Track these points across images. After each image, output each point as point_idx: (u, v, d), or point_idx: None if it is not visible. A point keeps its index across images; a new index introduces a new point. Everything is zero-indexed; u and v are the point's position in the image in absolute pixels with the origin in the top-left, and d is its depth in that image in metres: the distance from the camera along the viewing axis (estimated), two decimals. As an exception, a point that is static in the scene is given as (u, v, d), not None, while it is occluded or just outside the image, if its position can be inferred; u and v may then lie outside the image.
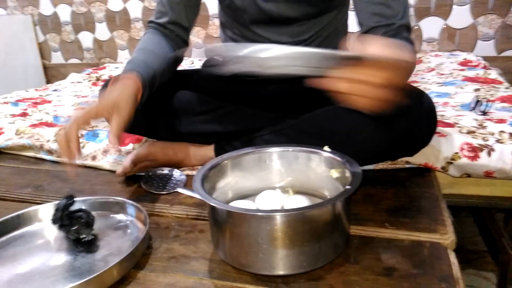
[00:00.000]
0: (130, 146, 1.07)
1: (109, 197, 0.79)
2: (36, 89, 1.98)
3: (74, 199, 0.71)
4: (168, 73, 0.95)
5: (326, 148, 0.70)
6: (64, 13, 2.73)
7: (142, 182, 0.89)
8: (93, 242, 0.69)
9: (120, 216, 0.76)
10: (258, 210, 0.56)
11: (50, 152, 1.13)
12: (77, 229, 0.68)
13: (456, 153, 0.86)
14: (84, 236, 0.68)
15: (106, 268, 0.56)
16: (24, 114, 1.47)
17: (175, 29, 0.97)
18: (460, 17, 1.96)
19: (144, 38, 0.96)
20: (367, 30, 0.82)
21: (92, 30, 2.71)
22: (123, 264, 0.59)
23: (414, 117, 0.78)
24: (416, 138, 0.81)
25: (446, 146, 0.87)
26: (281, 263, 0.56)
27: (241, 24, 0.99)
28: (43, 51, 2.89)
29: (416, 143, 0.82)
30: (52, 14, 2.76)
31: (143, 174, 0.92)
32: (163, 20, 0.96)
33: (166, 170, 0.93)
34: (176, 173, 0.93)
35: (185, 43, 1.01)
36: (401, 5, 0.80)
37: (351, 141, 0.80)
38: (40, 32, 2.85)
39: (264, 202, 0.68)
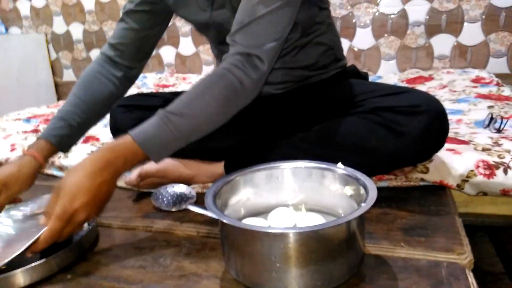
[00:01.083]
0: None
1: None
2: (47, 106, 2.00)
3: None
4: (99, 115, 0.99)
5: (339, 164, 0.69)
6: (77, 31, 2.78)
7: (152, 199, 0.88)
8: None
9: None
10: (271, 228, 0.55)
11: (61, 168, 1.13)
12: None
13: (472, 170, 0.84)
14: None
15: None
16: (35, 131, 1.48)
17: (121, 64, 0.99)
18: (472, 34, 1.96)
19: (83, 77, 0.99)
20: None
21: (103, 48, 2.75)
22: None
23: (425, 121, 0.77)
24: (428, 143, 0.80)
25: (461, 164, 0.85)
26: (294, 282, 0.54)
27: (212, 43, 1.02)
28: (55, 68, 2.94)
29: (429, 147, 0.81)
30: (64, 32, 2.81)
31: (153, 190, 0.91)
32: (111, 53, 0.99)
33: (176, 187, 0.93)
34: (186, 190, 0.92)
35: (128, 80, 1.02)
36: (240, 19, 0.77)
37: (363, 149, 0.80)
38: (52, 50, 2.90)
39: (277, 219, 0.66)
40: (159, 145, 0.70)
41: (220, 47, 0.98)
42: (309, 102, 0.98)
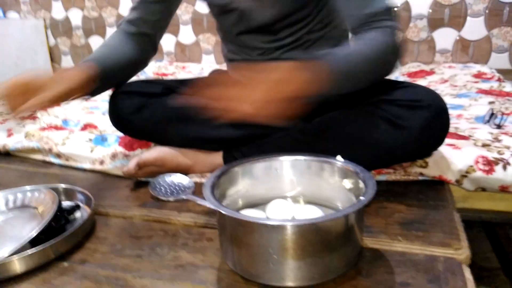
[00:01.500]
0: (138, 151, 1.06)
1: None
2: (46, 92, 1.99)
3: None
4: (129, 71, 0.99)
5: (338, 157, 0.69)
6: (76, 17, 2.75)
7: (150, 188, 0.88)
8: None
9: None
10: (269, 219, 0.55)
11: (58, 155, 1.12)
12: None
13: (471, 166, 0.84)
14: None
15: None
16: (33, 117, 1.47)
17: (143, 33, 0.98)
18: (474, 29, 1.95)
19: (110, 36, 0.98)
20: (351, 25, 0.81)
21: (102, 34, 2.72)
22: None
23: (426, 116, 0.76)
24: (429, 139, 0.79)
25: (461, 159, 0.85)
26: (291, 274, 0.54)
27: (228, 32, 1.00)
28: (54, 55, 2.91)
29: (430, 143, 0.81)
30: (63, 18, 2.78)
31: (151, 180, 0.91)
32: (132, 26, 0.97)
33: (174, 177, 0.92)
34: (185, 179, 0.91)
35: (153, 48, 1.02)
36: None
37: (363, 144, 0.79)
38: (51, 36, 2.87)
39: (275, 211, 0.66)
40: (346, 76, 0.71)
41: (239, 37, 0.97)
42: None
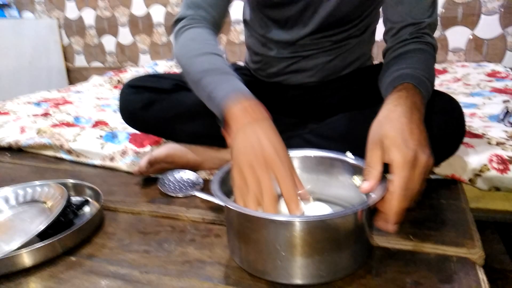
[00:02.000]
0: (148, 148, 1.06)
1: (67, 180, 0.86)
2: (58, 90, 2.01)
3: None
4: None
5: (348, 154, 0.68)
6: (89, 17, 2.78)
7: (159, 185, 0.88)
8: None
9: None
10: (277, 215, 0.54)
11: (69, 152, 1.13)
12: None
13: (485, 165, 0.82)
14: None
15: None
16: (46, 114, 1.48)
17: (210, 24, 0.87)
18: (488, 27, 1.91)
19: (201, 37, 0.80)
20: (396, 31, 0.80)
21: (115, 34, 2.75)
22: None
23: (441, 123, 0.75)
24: (443, 145, 0.77)
25: (474, 158, 0.83)
26: (299, 271, 0.53)
27: (255, 5, 0.93)
28: (67, 54, 2.95)
29: (443, 150, 0.78)
30: (77, 17, 2.81)
31: (160, 176, 0.91)
32: (198, 16, 0.85)
33: (183, 173, 0.92)
34: (193, 176, 0.91)
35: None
36: (429, 2, 0.78)
37: None
38: (64, 35, 2.90)
39: (284, 207, 0.65)
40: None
41: (264, 11, 0.91)
42: (331, 94, 0.97)
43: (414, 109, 0.61)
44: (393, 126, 0.58)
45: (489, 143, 0.89)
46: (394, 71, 0.72)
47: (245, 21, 1.03)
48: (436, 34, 1.99)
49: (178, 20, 0.85)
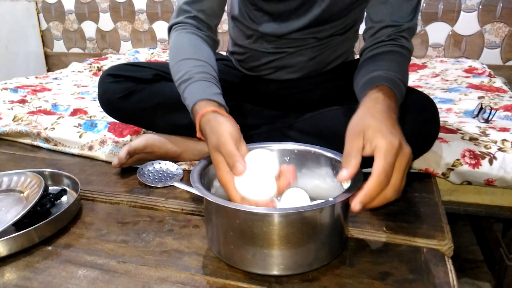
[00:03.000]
0: (127, 137, 1.05)
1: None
2: (36, 77, 1.96)
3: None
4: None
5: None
6: (68, 1, 2.71)
7: (138, 175, 0.88)
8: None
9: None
10: (255, 208, 0.55)
11: (46, 140, 1.11)
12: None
13: (458, 159, 0.85)
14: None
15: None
16: (23, 101, 1.45)
17: (206, 29, 0.87)
18: (467, 24, 1.95)
19: (186, 42, 0.83)
20: (375, 31, 0.80)
21: (95, 20, 2.69)
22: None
23: (417, 121, 0.77)
24: (418, 143, 0.79)
25: (448, 152, 0.86)
26: (275, 262, 0.55)
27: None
28: (46, 39, 2.87)
29: (418, 147, 0.81)
30: (56, 2, 2.74)
31: (139, 166, 0.91)
32: (193, 21, 0.86)
33: (162, 164, 0.92)
34: (173, 167, 0.91)
35: (215, 42, 0.90)
36: (412, 7, 0.79)
37: None
38: (43, 19, 2.83)
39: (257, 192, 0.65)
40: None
41: (258, 3, 0.89)
42: (313, 89, 0.98)
43: (390, 110, 0.63)
44: (375, 118, 0.60)
45: (463, 139, 0.91)
46: (370, 72, 0.73)
47: (232, 17, 1.02)
48: (417, 29, 2.03)
49: (173, 25, 0.86)
